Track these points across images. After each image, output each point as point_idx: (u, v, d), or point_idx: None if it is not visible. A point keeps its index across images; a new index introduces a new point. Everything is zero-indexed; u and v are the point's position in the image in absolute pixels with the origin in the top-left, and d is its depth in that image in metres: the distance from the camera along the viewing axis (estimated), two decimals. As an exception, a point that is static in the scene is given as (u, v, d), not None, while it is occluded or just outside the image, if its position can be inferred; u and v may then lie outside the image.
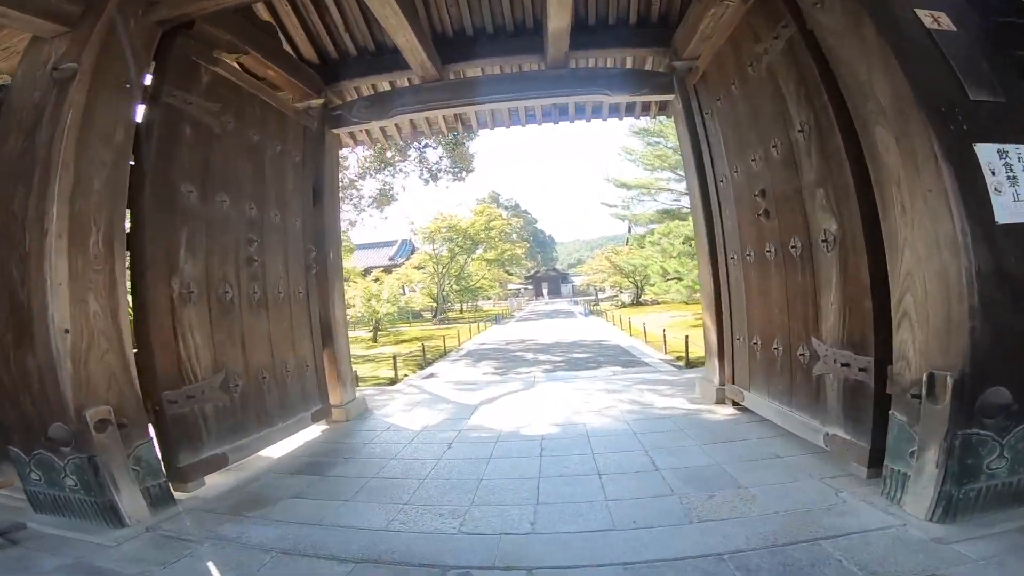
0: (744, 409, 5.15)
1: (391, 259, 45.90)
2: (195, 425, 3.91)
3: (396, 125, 7.89)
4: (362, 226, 23.94)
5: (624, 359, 11.19)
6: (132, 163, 3.57)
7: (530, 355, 12.87)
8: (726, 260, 5.11)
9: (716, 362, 5.63)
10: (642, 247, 35.51)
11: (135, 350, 3.54)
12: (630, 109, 8.63)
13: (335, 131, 6.80)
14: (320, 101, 6.45)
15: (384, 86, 7.29)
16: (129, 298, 3.63)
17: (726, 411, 5.37)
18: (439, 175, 17.94)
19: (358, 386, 9.84)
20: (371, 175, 18.37)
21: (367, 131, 8.31)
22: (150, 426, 3.61)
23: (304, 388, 5.39)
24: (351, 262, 44.49)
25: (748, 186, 4.43)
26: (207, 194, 4.13)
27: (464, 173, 17.78)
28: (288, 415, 5.06)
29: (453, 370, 11.50)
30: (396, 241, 48.92)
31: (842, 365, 3.28)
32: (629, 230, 55.23)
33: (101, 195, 3.25)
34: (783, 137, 3.74)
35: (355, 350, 20.70)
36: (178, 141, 3.90)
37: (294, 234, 5.42)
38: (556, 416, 5.81)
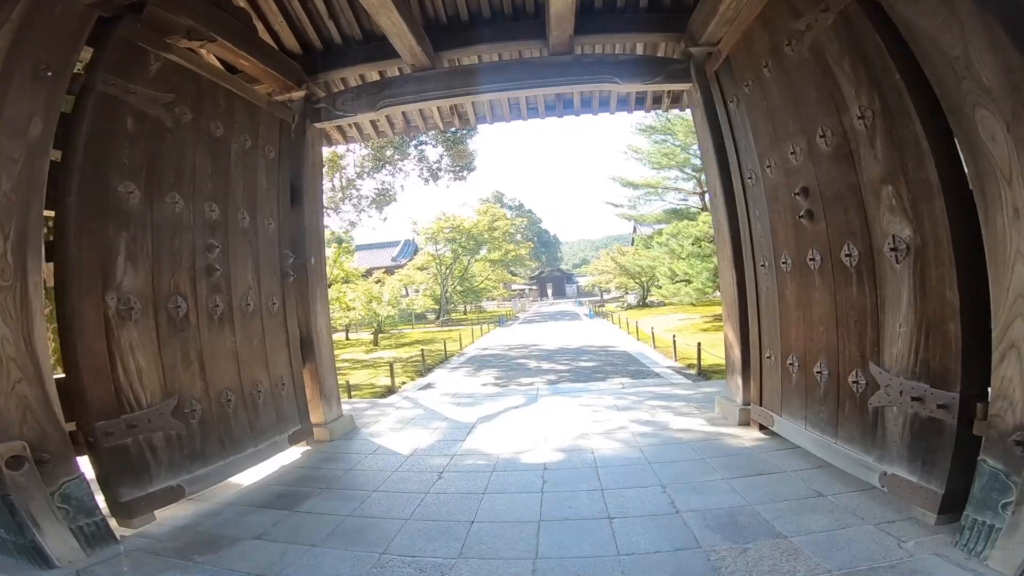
0: (772, 434, 4.55)
1: (394, 260, 45.46)
2: (140, 456, 3.37)
3: (387, 118, 7.34)
4: (362, 227, 23.54)
5: (633, 368, 10.62)
6: (56, 160, 3.02)
7: (533, 363, 12.34)
8: (755, 267, 4.50)
9: (739, 379, 5.03)
10: (649, 248, 34.90)
11: (61, 376, 3.01)
12: (640, 101, 8.05)
13: (318, 125, 6.24)
14: (301, 93, 5.90)
15: (373, 76, 6.73)
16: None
17: (751, 436, 4.77)
18: (439, 174, 17.39)
19: (350, 398, 9.31)
20: (369, 175, 17.84)
21: (356, 125, 7.77)
22: (83, 459, 3.11)
23: (279, 408, 4.83)
24: (353, 263, 44.20)
25: (785, 183, 3.83)
26: (154, 194, 3.57)
27: (465, 172, 17.23)
28: (260, 439, 4.50)
29: (452, 380, 10.95)
30: (399, 242, 48.49)
31: (913, 399, 2.68)
32: (634, 230, 54.67)
33: (9, 198, 2.70)
34: (834, 125, 3.13)
35: (354, 354, 20.24)
36: (116, 134, 3.34)
37: (267, 238, 4.85)
38: (560, 439, 5.22)
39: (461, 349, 18.39)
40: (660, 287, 19.19)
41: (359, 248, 50.71)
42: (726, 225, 5.02)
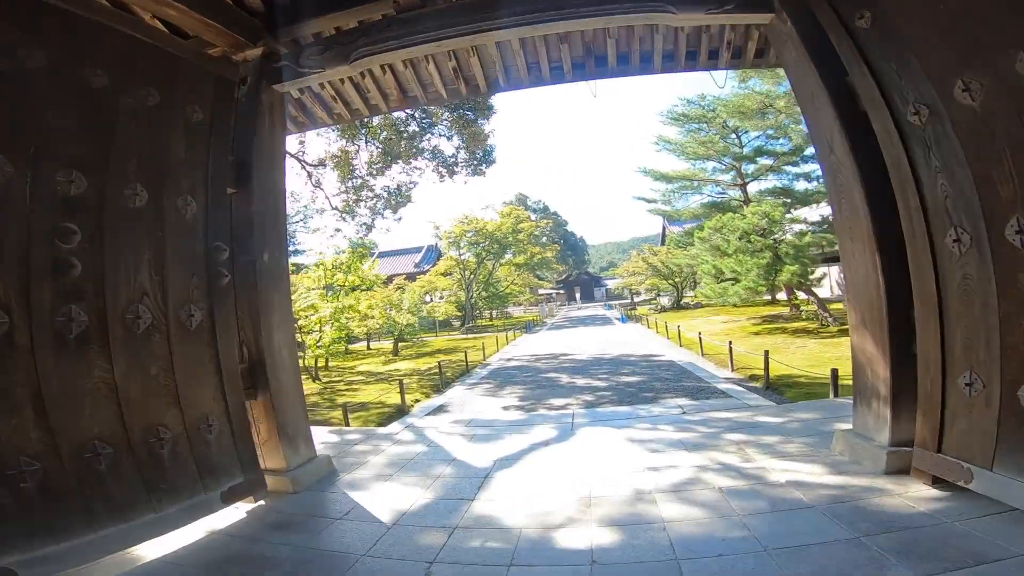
0: (955, 491, 2.91)
1: (416, 266, 44.40)
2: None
3: (371, 75, 5.91)
4: (377, 230, 22.34)
5: (689, 384, 8.80)
6: None
7: (565, 377, 10.67)
8: (932, 245, 2.84)
9: (884, 411, 3.38)
10: (683, 247, 32.81)
11: None
12: (693, 55, 6.47)
13: (280, 88, 4.84)
14: (257, 51, 4.53)
15: (352, 26, 5.30)
16: None
17: (916, 493, 3.10)
18: (456, 168, 15.98)
19: (346, 425, 7.85)
20: (381, 172, 16.56)
21: (337, 93, 6.37)
22: None
23: (203, 458, 3.40)
24: (375, 269, 43.31)
25: (1006, 111, 2.19)
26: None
27: (483, 165, 15.77)
28: (166, 501, 3.11)
29: (469, 400, 9.38)
30: (422, 248, 47.46)
31: None
32: (664, 230, 52.43)
33: None
34: None
35: (371, 366, 18.94)
36: None
37: (183, 225, 3.43)
38: (611, 500, 3.63)
39: (484, 359, 16.85)
40: (701, 287, 17.29)
41: (381, 255, 49.99)
42: (859, 189, 3.37)
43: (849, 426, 4.11)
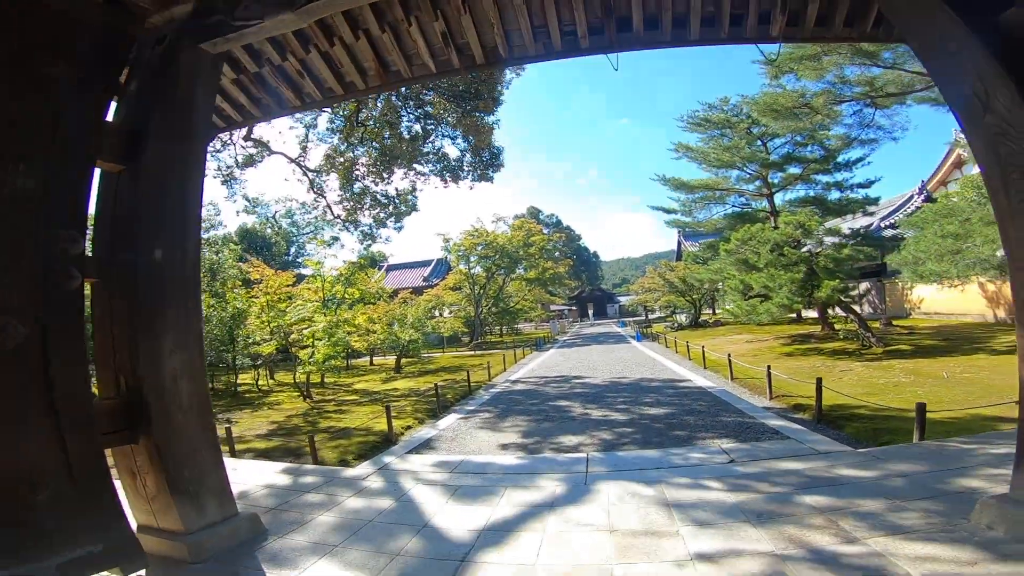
0: None
1: (425, 279, 43.38)
2: None
3: (342, 43, 4.82)
4: (382, 241, 21.23)
5: (728, 419, 7.31)
6: None
7: (577, 407, 9.20)
8: None
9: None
10: (700, 262, 31.30)
11: None
12: (738, 20, 5.41)
13: (209, 46, 3.70)
14: (187, 8, 3.43)
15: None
16: None
17: None
18: (461, 173, 14.88)
19: (316, 463, 6.59)
20: (379, 176, 15.52)
21: (297, 60, 5.27)
22: None
23: (28, 523, 2.15)
24: (383, 283, 42.32)
25: None
26: None
27: (490, 170, 14.64)
28: None
29: (464, 433, 8.02)
30: (431, 261, 46.46)
31: None
32: (679, 245, 50.91)
33: None
34: None
35: (369, 384, 17.71)
36: None
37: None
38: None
39: (490, 379, 15.54)
40: (726, 304, 15.85)
41: (390, 268, 49.13)
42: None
43: (1002, 489, 2.79)
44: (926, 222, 12.08)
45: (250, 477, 5.42)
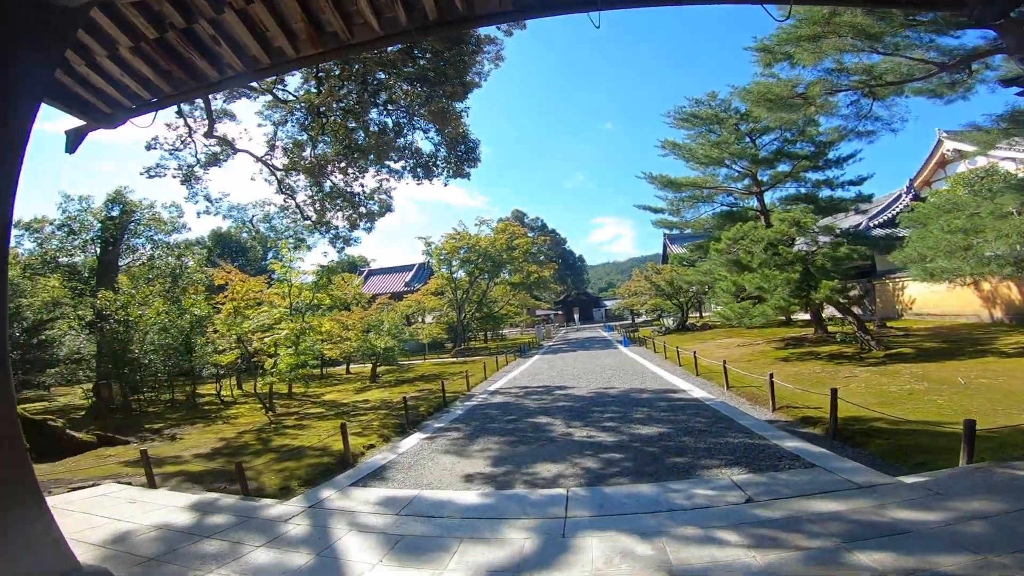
0: None
1: (407, 284, 42.18)
2: None
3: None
4: (353, 245, 20.03)
5: (735, 439, 6.30)
6: None
7: (558, 425, 8.20)
8: None
9: None
10: (687, 264, 30.61)
11: None
12: None
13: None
14: None
15: None
16: None
17: None
18: (435, 169, 13.89)
19: (244, 495, 5.54)
20: (346, 172, 14.48)
21: (207, 20, 4.26)
22: None
23: None
24: (364, 288, 41.03)
25: None
26: None
27: (466, 165, 13.66)
28: None
29: (426, 458, 6.92)
30: (413, 266, 45.28)
31: None
32: (664, 248, 50.42)
33: None
34: None
35: (340, 395, 16.54)
36: None
37: None
38: None
39: (468, 389, 14.52)
40: (717, 307, 15.01)
41: (371, 273, 47.86)
42: None
43: None
44: (929, 218, 11.38)
45: (149, 514, 4.39)
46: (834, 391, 6.25)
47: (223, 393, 16.81)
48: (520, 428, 8.24)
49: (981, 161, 23.39)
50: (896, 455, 5.26)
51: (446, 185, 13.37)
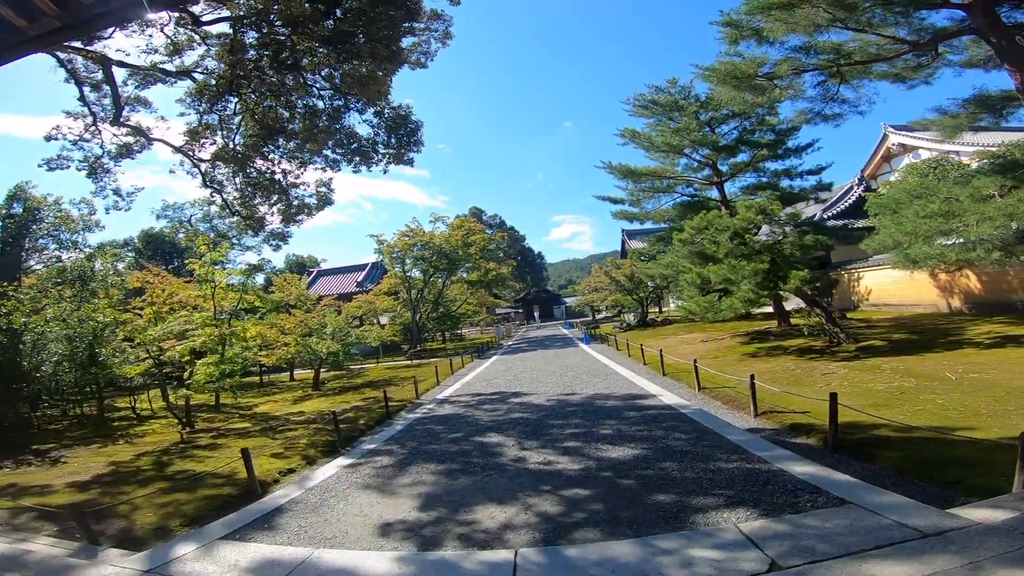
0: None
1: (359, 285, 40.16)
2: None
3: None
4: (289, 242, 18.13)
5: (727, 463, 5.19)
6: None
7: (511, 446, 6.86)
8: None
9: None
10: (644, 259, 30.06)
11: None
12: None
13: None
14: None
15: None
16: None
17: None
18: (373, 156, 12.45)
19: (100, 534, 4.12)
20: (268, 161, 12.88)
21: None
22: None
23: None
24: (314, 289, 38.79)
25: None
26: None
27: (407, 151, 12.27)
28: None
29: (336, 495, 5.55)
30: (366, 265, 43.22)
31: None
32: (623, 244, 50.13)
33: None
34: None
35: (274, 406, 14.74)
36: None
37: None
38: None
39: (417, 397, 13.16)
40: (682, 301, 14.19)
41: (321, 273, 45.51)
42: None
43: None
44: (900, 204, 10.80)
45: None
46: (833, 397, 5.30)
47: (141, 407, 14.84)
48: (464, 451, 6.92)
49: (924, 155, 23.81)
50: (918, 471, 4.33)
51: (385, 172, 12.00)
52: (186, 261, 15.94)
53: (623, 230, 48.29)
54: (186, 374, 12.36)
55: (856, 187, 25.50)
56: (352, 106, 11.87)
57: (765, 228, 15.12)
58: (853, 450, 5.09)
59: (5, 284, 12.63)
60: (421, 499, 5.04)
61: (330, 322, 19.52)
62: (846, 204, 24.47)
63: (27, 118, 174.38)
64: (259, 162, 13.48)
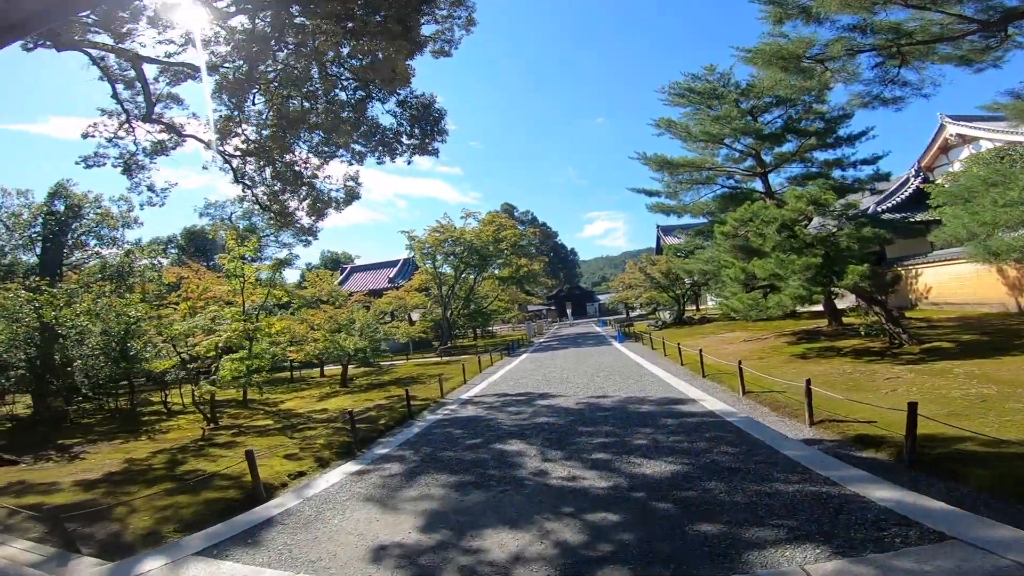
0: None
1: (391, 280, 40.24)
2: None
3: None
4: (317, 237, 17.98)
5: (786, 484, 4.36)
6: None
7: (533, 456, 6.19)
8: None
9: None
10: (681, 255, 28.88)
11: None
12: None
13: None
14: None
15: None
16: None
17: None
18: (398, 147, 12.04)
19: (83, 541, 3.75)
20: (291, 155, 12.65)
21: None
22: None
23: None
24: (347, 285, 39.08)
25: None
26: None
27: (431, 140, 11.80)
28: None
29: (334, 507, 5.05)
30: (398, 261, 43.31)
31: None
32: (658, 240, 48.63)
33: None
34: None
35: (299, 404, 14.53)
36: None
37: None
38: None
39: (441, 396, 12.74)
40: (724, 298, 13.24)
41: (354, 270, 45.89)
42: None
43: None
44: (974, 192, 9.69)
45: None
46: (912, 405, 4.52)
47: (172, 402, 14.93)
48: (481, 460, 6.31)
49: (986, 145, 21.92)
50: (1019, 493, 3.54)
51: (409, 163, 11.51)
52: (217, 256, 16.04)
53: (658, 226, 46.97)
54: (213, 368, 12.30)
55: (912, 179, 23.81)
56: (375, 95, 11.50)
57: (815, 221, 14.06)
58: (933, 467, 4.31)
59: (38, 279, 12.82)
60: (425, 517, 4.52)
61: (358, 318, 19.34)
62: (902, 197, 22.86)
63: (69, 119, 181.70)
64: (282, 155, 13.29)
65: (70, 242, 19.89)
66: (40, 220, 19.06)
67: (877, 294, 11.49)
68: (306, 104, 11.58)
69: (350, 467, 6.62)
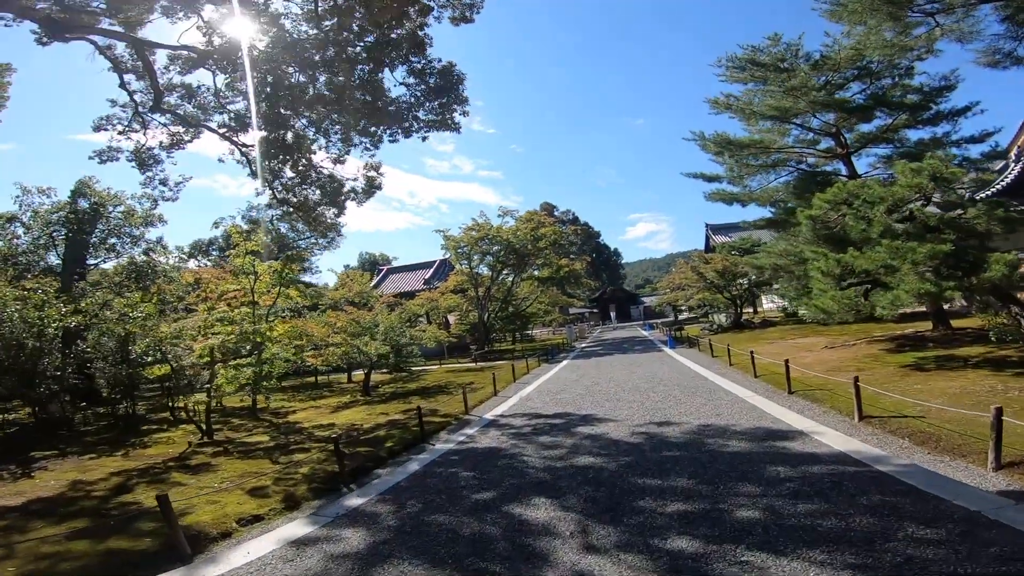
0: None
1: (426, 282, 38.97)
2: None
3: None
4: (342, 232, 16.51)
5: None
6: None
7: (567, 533, 3.91)
8: None
9: None
10: (738, 252, 26.12)
11: None
12: None
13: None
14: None
15: None
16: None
17: None
18: (411, 121, 10.34)
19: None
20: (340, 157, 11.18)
21: None
22: None
23: None
24: (384, 287, 38.07)
25: None
26: None
27: (449, 113, 10.02)
28: None
29: None
30: (433, 262, 42.07)
31: None
32: (707, 239, 45.41)
33: None
34: None
35: (308, 415, 12.88)
36: None
37: None
38: None
39: (466, 411, 10.91)
40: (814, 296, 10.75)
41: (391, 271, 44.95)
42: None
43: None
44: None
45: None
46: None
47: (179, 407, 13.74)
48: (485, 538, 4.08)
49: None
50: None
51: (424, 139, 9.75)
52: (226, 254, 14.90)
53: (707, 224, 44.04)
54: (208, 376, 11.00)
55: (1013, 164, 20.50)
56: (386, 61, 9.84)
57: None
58: None
59: (55, 279, 11.87)
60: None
61: (382, 321, 17.82)
62: (1003, 183, 19.65)
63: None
64: (290, 136, 11.88)
65: (94, 240, 19.30)
66: (61, 218, 18.46)
67: (1014, 291, 8.94)
68: (314, 76, 10.08)
69: (295, 529, 4.71)
